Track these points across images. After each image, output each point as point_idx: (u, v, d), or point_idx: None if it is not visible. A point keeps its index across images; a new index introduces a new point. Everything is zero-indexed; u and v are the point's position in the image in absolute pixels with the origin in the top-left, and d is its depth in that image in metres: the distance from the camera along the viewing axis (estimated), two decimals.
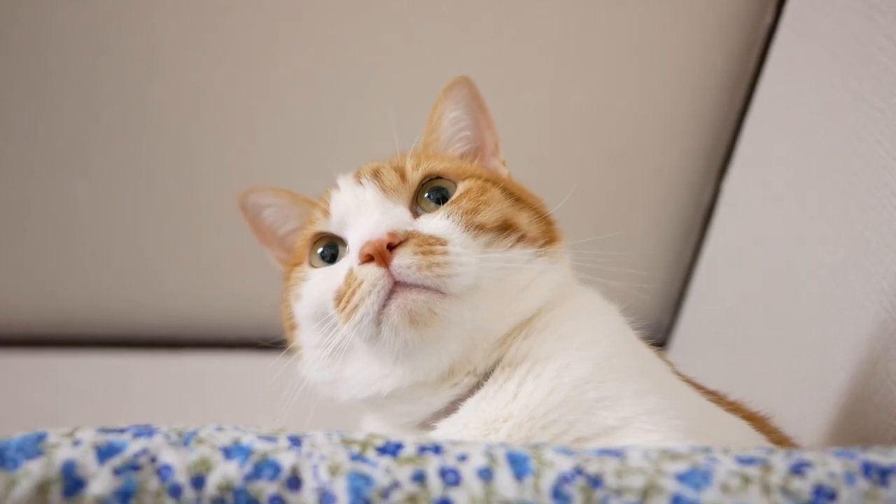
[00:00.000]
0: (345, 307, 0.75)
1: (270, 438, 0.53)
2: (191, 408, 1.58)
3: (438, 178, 0.84)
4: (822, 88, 1.16)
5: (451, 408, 0.77)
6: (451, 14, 1.41)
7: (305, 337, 0.84)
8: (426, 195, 0.82)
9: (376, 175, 0.83)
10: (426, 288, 0.72)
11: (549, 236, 0.84)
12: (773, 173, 1.30)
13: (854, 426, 1.00)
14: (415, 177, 0.83)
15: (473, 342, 0.76)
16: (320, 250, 0.84)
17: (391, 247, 0.73)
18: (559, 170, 1.52)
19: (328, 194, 0.86)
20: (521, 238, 0.80)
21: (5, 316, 1.67)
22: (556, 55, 1.45)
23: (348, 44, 1.43)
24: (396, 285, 0.73)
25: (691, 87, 1.46)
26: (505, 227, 0.80)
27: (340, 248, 0.83)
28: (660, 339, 1.66)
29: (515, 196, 0.85)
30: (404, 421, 0.80)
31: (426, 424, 0.79)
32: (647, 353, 0.80)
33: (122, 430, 0.53)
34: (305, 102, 1.48)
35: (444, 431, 0.75)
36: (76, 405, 1.57)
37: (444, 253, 0.74)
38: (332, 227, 0.84)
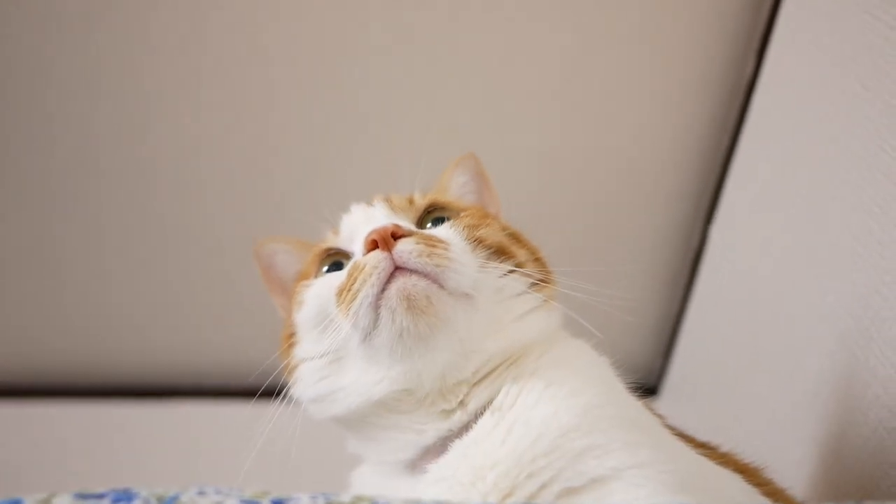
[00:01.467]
0: (345, 297, 0.76)
1: (253, 502, 0.52)
2: (176, 457, 1.56)
3: (443, 208, 0.89)
4: (805, 133, 1.17)
5: (441, 446, 0.77)
6: (445, 65, 1.43)
7: (304, 349, 0.84)
8: (429, 224, 0.87)
9: (387, 198, 0.90)
10: (425, 276, 0.74)
11: (544, 277, 0.85)
12: (760, 217, 1.31)
13: (848, 474, 0.99)
14: (421, 203, 0.89)
15: (464, 353, 0.77)
16: (326, 268, 0.87)
17: (395, 237, 0.76)
18: (545, 216, 1.53)
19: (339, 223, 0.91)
20: (518, 267, 0.82)
21: None
22: (545, 101, 1.47)
23: (345, 91, 1.45)
24: (397, 270, 0.75)
25: (676, 132, 1.48)
26: (502, 252, 0.83)
27: (346, 263, 0.85)
28: (651, 384, 1.65)
29: (514, 236, 0.89)
30: (395, 458, 0.79)
31: (417, 467, 0.78)
32: (637, 405, 0.79)
33: (100, 496, 0.51)
34: (303, 148, 1.50)
35: (434, 476, 0.74)
36: (60, 457, 1.54)
37: (446, 249, 0.77)
38: (340, 243, 0.88)
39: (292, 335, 0.87)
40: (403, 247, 0.75)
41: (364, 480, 0.83)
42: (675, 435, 0.79)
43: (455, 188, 0.99)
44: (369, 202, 0.90)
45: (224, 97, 1.44)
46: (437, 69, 1.44)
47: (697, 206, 1.52)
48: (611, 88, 1.46)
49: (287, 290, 0.95)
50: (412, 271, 0.75)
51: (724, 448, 0.85)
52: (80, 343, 1.65)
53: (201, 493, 0.52)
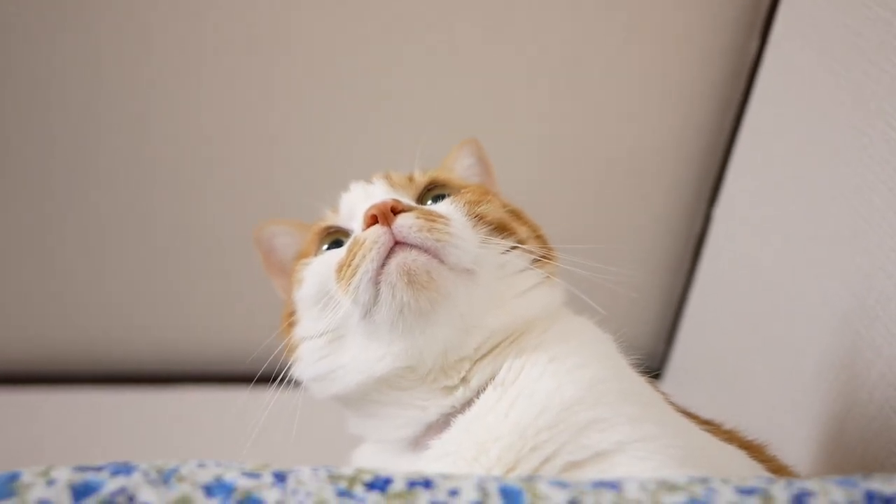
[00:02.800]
0: (345, 272, 0.76)
1: (254, 475, 0.51)
2: (176, 443, 1.56)
3: (443, 185, 0.89)
4: (809, 114, 1.16)
5: (444, 422, 0.76)
6: (446, 49, 1.42)
7: (304, 328, 0.84)
8: (430, 201, 0.86)
9: (386, 175, 0.89)
10: (426, 250, 0.74)
11: (545, 253, 0.85)
12: (763, 199, 1.30)
13: (853, 453, 0.98)
14: (421, 180, 0.89)
15: (466, 329, 0.76)
16: (326, 246, 0.86)
17: (395, 212, 0.75)
18: (548, 201, 1.51)
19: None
20: (520, 243, 0.82)
21: None
22: (547, 85, 1.46)
23: (344, 77, 1.43)
24: (397, 245, 0.74)
25: (680, 114, 1.47)
26: (504, 229, 0.83)
27: (346, 241, 0.84)
28: (654, 367, 1.65)
29: (515, 213, 0.89)
30: (398, 434, 0.79)
31: (420, 443, 0.77)
32: (640, 380, 0.79)
33: (99, 468, 0.51)
34: (302, 134, 1.48)
35: (437, 452, 0.74)
36: (59, 444, 1.54)
37: (446, 224, 0.76)
38: (340, 221, 0.87)
39: (292, 314, 0.87)
40: (403, 221, 0.75)
41: (366, 458, 0.83)
42: (679, 412, 0.78)
43: (460, 170, 0.99)
44: (369, 180, 0.90)
45: (221, 85, 1.43)
46: (437, 55, 1.42)
47: (700, 190, 1.51)
48: (612, 72, 1.44)
49: (287, 272, 0.95)
50: (412, 246, 0.74)
51: (728, 427, 0.85)
52: (79, 330, 1.64)
53: (201, 466, 0.51)
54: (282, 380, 0.84)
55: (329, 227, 0.88)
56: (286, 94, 1.45)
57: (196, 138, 1.47)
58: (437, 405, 0.77)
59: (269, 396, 0.82)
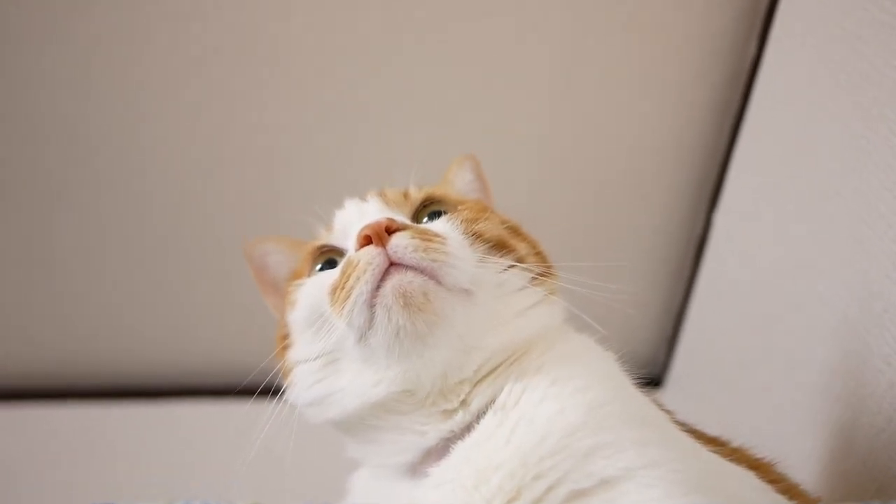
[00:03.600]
0: (339, 295, 0.74)
1: None
2: (172, 458, 1.54)
3: (440, 201, 0.86)
4: (810, 116, 1.14)
5: (443, 448, 0.74)
6: (440, 57, 1.40)
7: (298, 351, 0.81)
8: (426, 219, 0.84)
9: (381, 193, 0.87)
10: (422, 271, 0.72)
11: (545, 271, 0.83)
12: (764, 203, 1.28)
13: (861, 466, 0.96)
14: (417, 196, 0.86)
15: (465, 350, 0.74)
16: (319, 266, 0.84)
17: (389, 231, 0.73)
18: (547, 206, 1.50)
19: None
20: (518, 261, 0.80)
21: None
22: (545, 90, 1.44)
23: (338, 85, 1.42)
24: (392, 266, 0.72)
25: (678, 118, 1.45)
26: (502, 246, 0.81)
27: (340, 260, 0.82)
28: (655, 375, 1.63)
29: (514, 230, 0.87)
30: (396, 460, 0.76)
31: (419, 469, 0.75)
32: (645, 401, 0.77)
33: None
34: (299, 145, 1.47)
35: (436, 479, 0.71)
36: (56, 458, 1.53)
37: (442, 243, 0.74)
38: (334, 240, 0.85)
39: (286, 337, 0.85)
40: (398, 241, 0.72)
41: (363, 484, 0.81)
42: (685, 431, 0.76)
43: (461, 185, 0.97)
44: (363, 197, 0.88)
45: (218, 95, 1.42)
46: (433, 62, 1.41)
47: (700, 194, 1.50)
48: (610, 76, 1.43)
49: (280, 291, 0.92)
50: (408, 267, 0.72)
51: (735, 443, 0.83)
52: (75, 345, 1.63)
53: None
54: (279, 397, 0.82)
55: (322, 247, 0.85)
56: (281, 105, 1.43)
57: (193, 147, 1.46)
58: (436, 430, 0.75)
59: (266, 414, 0.80)
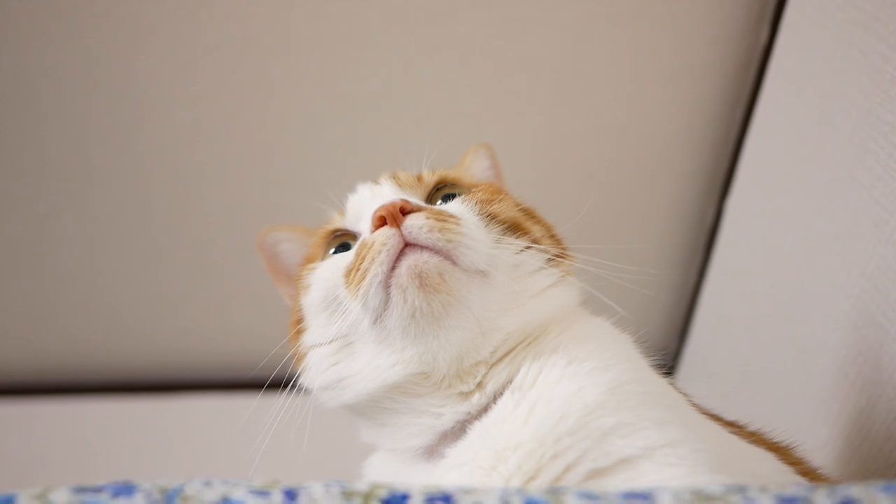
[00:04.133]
0: (354, 276, 0.73)
1: (263, 492, 0.48)
2: (184, 452, 1.54)
3: (454, 184, 0.86)
4: (824, 102, 1.13)
5: (459, 430, 0.73)
6: (449, 44, 1.39)
7: (312, 335, 0.81)
8: (439, 201, 0.84)
9: (394, 175, 0.86)
10: (437, 252, 0.71)
11: (560, 252, 0.83)
12: (777, 190, 1.27)
13: (878, 452, 0.95)
14: (430, 179, 0.86)
15: (481, 331, 0.74)
16: (333, 250, 0.83)
17: (404, 212, 0.73)
18: (558, 195, 1.49)
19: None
20: (534, 243, 0.79)
21: None
22: (553, 78, 1.43)
23: (344, 77, 1.41)
24: (407, 247, 0.72)
25: (689, 105, 1.44)
26: (517, 228, 0.80)
27: (354, 244, 0.82)
28: (668, 363, 1.62)
29: (528, 212, 0.86)
30: (412, 443, 0.76)
31: (435, 451, 0.75)
32: (663, 382, 0.76)
33: (98, 489, 0.48)
34: (306, 134, 1.46)
35: (453, 460, 0.71)
36: (66, 454, 1.52)
37: (457, 224, 0.73)
38: (347, 224, 0.84)
39: (300, 322, 0.84)
40: (413, 222, 0.72)
41: (378, 469, 0.80)
42: (703, 414, 0.75)
43: (477, 172, 0.97)
44: (376, 180, 0.87)
45: (222, 85, 1.40)
46: (443, 53, 1.40)
47: (712, 182, 1.48)
48: (621, 63, 1.42)
49: (293, 278, 0.92)
50: (423, 247, 0.72)
51: (753, 427, 0.82)
52: (79, 339, 1.62)
53: (207, 485, 0.48)
54: (291, 387, 0.81)
55: (336, 231, 0.85)
56: (288, 95, 1.42)
57: (198, 140, 1.45)
58: (452, 412, 0.74)
59: (278, 404, 0.80)
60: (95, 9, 1.32)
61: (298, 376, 0.82)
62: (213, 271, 1.56)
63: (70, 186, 1.47)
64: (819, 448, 1.04)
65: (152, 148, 1.44)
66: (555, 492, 0.50)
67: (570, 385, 0.69)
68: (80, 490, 0.47)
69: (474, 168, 0.96)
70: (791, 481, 0.70)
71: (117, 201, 1.49)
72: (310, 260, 0.86)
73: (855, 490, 0.49)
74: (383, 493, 0.49)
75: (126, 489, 0.48)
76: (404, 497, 0.49)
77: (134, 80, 1.39)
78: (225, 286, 1.58)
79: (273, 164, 1.48)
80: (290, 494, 0.48)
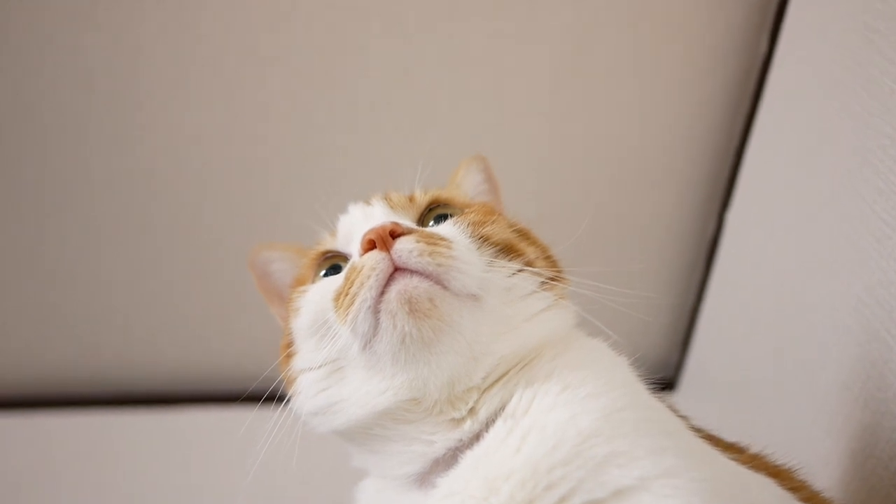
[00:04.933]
0: (343, 301, 0.72)
1: None
2: (176, 466, 1.53)
3: (446, 205, 0.85)
4: (824, 113, 1.12)
5: (451, 458, 0.72)
6: (449, 53, 1.38)
7: (302, 359, 0.80)
8: (431, 222, 0.83)
9: (386, 196, 0.85)
10: (427, 276, 0.70)
11: (555, 275, 0.81)
12: (778, 202, 1.26)
13: (884, 470, 0.94)
14: (423, 199, 0.85)
15: (473, 356, 0.72)
16: (323, 272, 0.83)
17: (394, 235, 0.72)
18: (556, 206, 1.48)
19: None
20: (528, 265, 0.78)
21: None
22: (552, 89, 1.42)
23: (344, 84, 1.40)
24: (397, 271, 0.70)
25: (689, 116, 1.43)
26: (510, 250, 0.79)
27: (345, 266, 0.81)
28: (668, 378, 1.61)
29: (523, 233, 0.85)
30: (403, 471, 0.75)
31: (427, 480, 0.73)
32: (660, 407, 0.74)
33: None
34: (302, 148, 1.45)
35: (444, 490, 0.69)
36: (61, 467, 1.52)
37: (448, 247, 0.72)
38: (338, 245, 0.83)
39: (290, 345, 0.83)
40: (403, 245, 0.71)
41: (370, 496, 0.79)
42: (702, 437, 0.74)
43: (471, 187, 0.95)
44: (367, 201, 0.86)
45: (220, 98, 1.40)
46: (438, 62, 1.39)
47: (712, 193, 1.47)
48: (618, 74, 1.41)
49: (284, 299, 0.91)
50: (413, 272, 0.70)
51: (754, 450, 0.80)
52: (75, 351, 1.61)
53: None
54: (283, 407, 0.80)
55: (326, 252, 0.84)
56: (284, 108, 1.42)
57: (195, 153, 1.44)
58: (444, 439, 0.73)
59: (271, 422, 0.79)
60: (95, 12, 1.32)
61: (289, 399, 0.81)
62: (212, 283, 1.56)
63: (68, 197, 1.47)
64: (822, 465, 1.02)
65: (151, 158, 1.44)
66: None
67: (564, 412, 0.68)
68: None
69: (467, 183, 0.95)
70: None
71: (115, 212, 1.49)
72: (300, 282, 0.85)
73: None
74: None
75: None
76: None
77: (134, 85, 1.38)
78: (224, 298, 1.57)
79: (275, 177, 1.47)
80: None
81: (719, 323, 1.47)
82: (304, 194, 1.48)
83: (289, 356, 0.82)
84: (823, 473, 0.98)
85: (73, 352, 1.62)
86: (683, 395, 1.58)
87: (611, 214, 1.51)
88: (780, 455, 0.83)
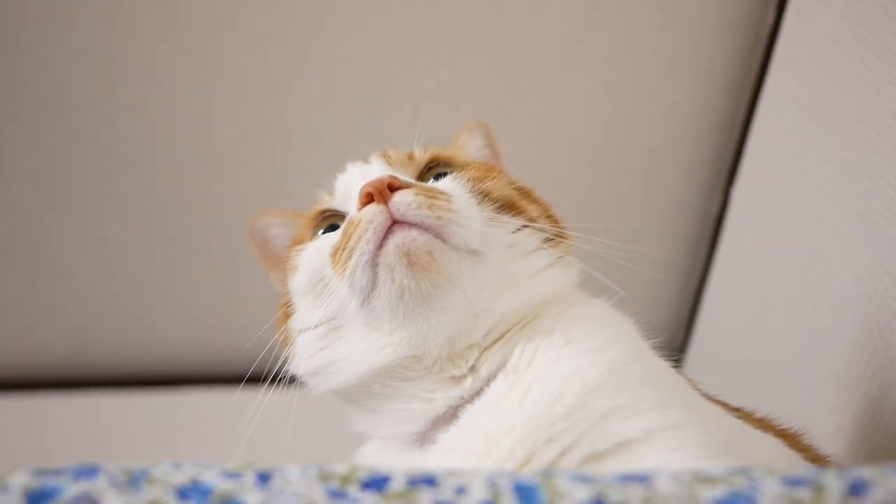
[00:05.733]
0: (340, 256, 0.71)
1: (235, 475, 0.45)
2: (170, 447, 1.52)
3: (447, 163, 0.83)
4: (832, 83, 1.10)
5: (452, 415, 0.71)
6: (451, 24, 1.36)
7: (300, 319, 0.78)
8: (431, 180, 0.80)
9: (384, 154, 0.84)
10: (426, 229, 0.68)
11: (558, 232, 0.80)
12: (784, 175, 1.24)
13: (891, 442, 0.92)
14: (422, 157, 0.84)
15: (474, 313, 0.71)
16: (322, 231, 0.81)
17: (392, 189, 0.70)
18: (560, 182, 1.46)
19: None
20: (530, 222, 0.77)
21: None
22: (558, 63, 1.40)
23: (345, 58, 1.38)
24: (395, 224, 0.69)
25: (694, 90, 1.41)
26: (512, 208, 0.77)
27: (342, 224, 0.78)
28: (674, 352, 1.59)
29: (524, 191, 0.83)
30: (403, 430, 0.73)
31: (427, 438, 0.72)
32: (664, 364, 0.73)
33: (59, 472, 0.45)
34: (301, 122, 1.43)
35: (445, 446, 0.69)
36: (54, 449, 1.50)
37: (448, 201, 0.71)
38: (336, 204, 0.82)
39: (288, 305, 0.81)
40: (401, 198, 0.69)
41: (370, 457, 0.78)
42: (708, 398, 0.72)
43: (473, 150, 0.94)
44: (366, 160, 0.85)
45: (217, 76, 1.38)
46: (444, 36, 1.37)
47: (717, 169, 1.45)
48: (624, 48, 1.39)
49: (283, 264, 0.89)
50: (412, 225, 0.69)
51: (760, 414, 0.79)
52: (71, 334, 1.60)
53: (176, 467, 0.46)
54: (277, 376, 0.79)
55: (324, 211, 0.83)
56: (284, 78, 1.39)
57: (193, 127, 1.42)
58: (444, 396, 0.71)
59: (262, 394, 0.77)
60: (97, 9, 1.30)
61: (286, 362, 0.80)
62: (210, 264, 1.54)
63: (67, 178, 1.45)
64: (829, 437, 1.01)
65: (151, 139, 1.42)
66: (546, 474, 0.47)
67: (568, 365, 0.66)
68: (40, 472, 0.45)
69: (469, 147, 0.94)
70: (799, 465, 0.67)
71: (114, 196, 1.47)
72: (298, 242, 0.84)
73: (867, 471, 0.46)
74: (363, 476, 0.46)
75: (88, 471, 0.45)
76: (385, 479, 0.46)
77: (130, 70, 1.36)
78: (221, 281, 1.56)
79: (271, 154, 1.45)
80: (263, 477, 0.45)
81: (725, 298, 1.46)
82: (303, 177, 1.45)
83: (285, 316, 0.81)
84: (830, 444, 0.96)
85: (69, 334, 1.61)
86: (689, 370, 1.56)
87: (615, 192, 1.49)
88: (788, 424, 0.81)
